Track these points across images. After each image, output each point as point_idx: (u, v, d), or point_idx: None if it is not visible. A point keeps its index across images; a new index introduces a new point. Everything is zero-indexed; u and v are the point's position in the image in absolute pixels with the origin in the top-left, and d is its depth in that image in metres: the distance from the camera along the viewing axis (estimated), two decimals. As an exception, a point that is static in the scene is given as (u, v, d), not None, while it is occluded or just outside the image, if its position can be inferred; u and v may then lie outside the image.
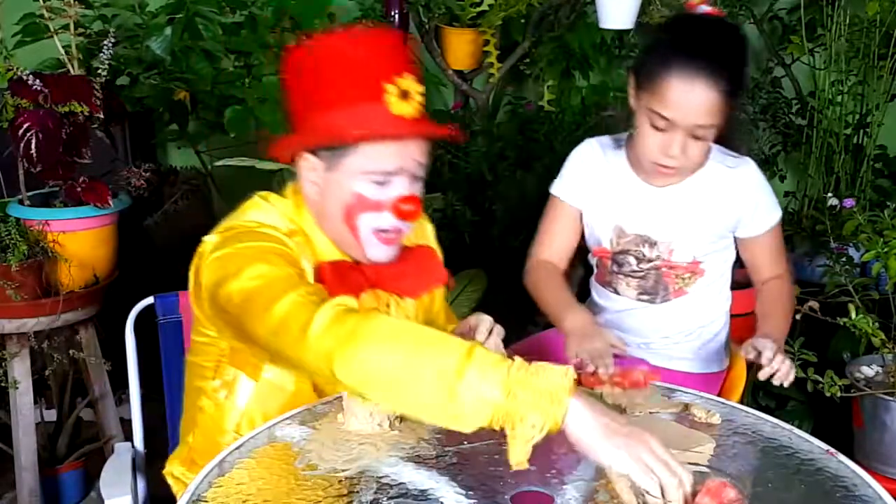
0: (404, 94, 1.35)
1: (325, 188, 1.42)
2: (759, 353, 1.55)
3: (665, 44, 1.67)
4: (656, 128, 1.64)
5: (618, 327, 1.88)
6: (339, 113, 1.35)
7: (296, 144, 1.42)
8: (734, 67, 1.62)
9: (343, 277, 1.42)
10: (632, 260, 1.81)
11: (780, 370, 1.53)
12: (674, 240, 1.78)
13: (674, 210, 1.77)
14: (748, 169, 1.77)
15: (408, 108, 1.35)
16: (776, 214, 1.81)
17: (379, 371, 1.14)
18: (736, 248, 1.85)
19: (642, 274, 1.82)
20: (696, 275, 1.81)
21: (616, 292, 1.86)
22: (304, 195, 1.47)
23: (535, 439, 1.09)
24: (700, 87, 1.58)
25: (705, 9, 1.67)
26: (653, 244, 1.79)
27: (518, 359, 1.11)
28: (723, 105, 1.61)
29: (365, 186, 1.38)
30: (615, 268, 1.84)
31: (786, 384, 1.55)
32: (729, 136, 1.75)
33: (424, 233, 1.65)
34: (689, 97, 1.59)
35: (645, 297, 1.83)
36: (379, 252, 1.44)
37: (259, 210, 1.45)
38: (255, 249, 1.34)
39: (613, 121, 1.97)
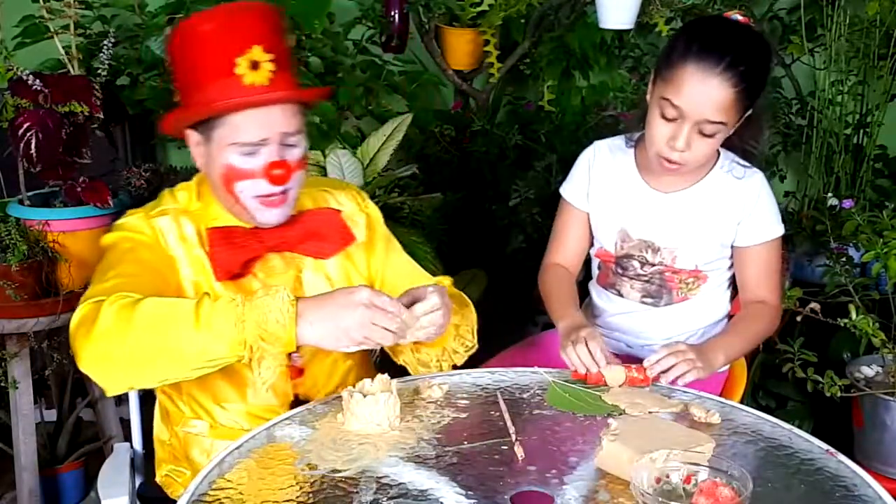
0: (254, 65, 1.41)
1: (206, 160, 1.50)
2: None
3: (688, 36, 1.67)
4: (665, 117, 1.63)
5: (619, 328, 1.88)
6: (202, 88, 1.43)
7: (176, 121, 1.49)
8: (752, 69, 1.61)
9: (232, 242, 1.50)
10: (635, 263, 1.82)
11: (670, 370, 1.56)
12: (677, 247, 1.78)
13: (679, 217, 1.77)
14: (754, 180, 1.77)
15: (259, 77, 1.41)
16: (774, 229, 1.78)
17: (118, 354, 1.29)
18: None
19: (647, 277, 1.82)
20: (699, 280, 1.81)
21: (619, 294, 1.86)
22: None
23: (275, 361, 1.30)
24: (714, 81, 1.58)
25: (738, 17, 1.67)
26: (656, 250, 1.79)
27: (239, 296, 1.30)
28: (735, 104, 1.61)
29: (234, 157, 1.45)
30: (619, 270, 1.84)
31: (680, 383, 1.58)
32: (743, 147, 1.76)
33: (351, 204, 1.68)
34: (702, 88, 1.59)
35: (648, 301, 1.83)
36: (267, 215, 1.51)
37: (142, 211, 1.56)
38: (107, 263, 1.47)
39: (613, 120, 1.97)
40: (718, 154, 1.77)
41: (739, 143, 1.75)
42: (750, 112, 1.67)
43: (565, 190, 1.89)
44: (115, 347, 1.29)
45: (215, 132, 1.45)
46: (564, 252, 1.89)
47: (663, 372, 1.57)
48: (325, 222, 1.59)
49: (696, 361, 1.58)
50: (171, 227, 1.53)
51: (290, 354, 1.53)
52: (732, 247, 1.80)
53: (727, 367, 1.92)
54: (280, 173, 1.46)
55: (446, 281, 1.70)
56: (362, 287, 1.35)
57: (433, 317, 1.42)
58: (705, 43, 1.61)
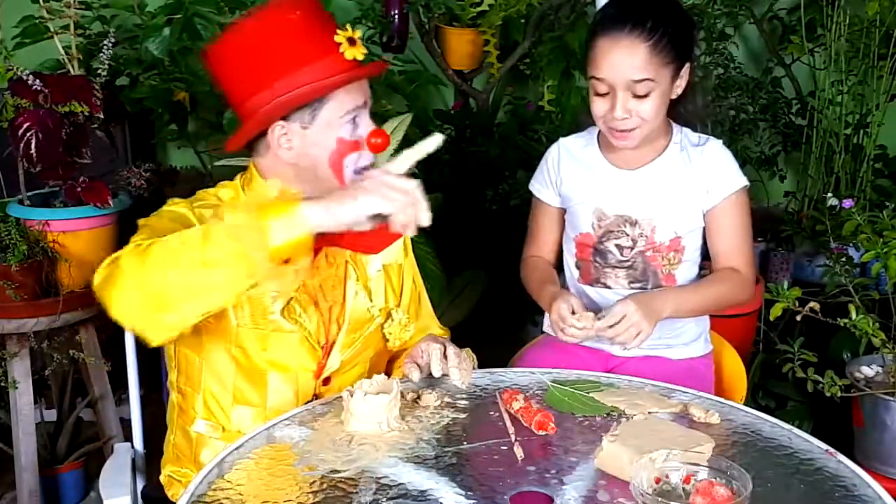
0: (352, 41, 1.48)
1: (304, 146, 1.50)
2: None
3: (597, 16, 1.78)
4: (599, 94, 1.72)
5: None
6: (304, 72, 1.45)
7: (268, 118, 1.48)
8: (659, 22, 1.67)
9: None
10: (614, 249, 1.83)
11: (618, 336, 1.64)
12: (654, 216, 1.81)
13: (650, 188, 1.81)
14: (714, 143, 1.83)
15: (358, 52, 1.48)
16: (737, 180, 1.81)
17: (141, 297, 1.28)
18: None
19: (629, 262, 1.83)
20: (678, 253, 1.83)
21: (607, 286, 1.86)
22: (262, 170, 1.55)
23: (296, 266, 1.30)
24: (624, 41, 1.66)
25: None
26: (633, 223, 1.81)
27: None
28: (652, 58, 1.66)
29: (343, 129, 1.50)
30: (600, 261, 1.85)
31: (627, 347, 1.66)
32: (686, 110, 1.82)
33: None
34: (615, 52, 1.67)
35: (637, 285, 1.84)
36: None
37: (184, 202, 1.54)
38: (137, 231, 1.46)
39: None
40: (671, 128, 1.83)
41: (683, 115, 1.83)
42: (689, 76, 1.74)
43: (534, 187, 1.96)
44: (137, 292, 1.28)
45: (322, 111, 1.48)
46: (539, 245, 1.96)
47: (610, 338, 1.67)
48: None
49: (640, 324, 1.64)
50: None
51: (321, 366, 1.55)
52: (704, 215, 1.83)
53: (709, 350, 1.94)
54: (379, 141, 1.52)
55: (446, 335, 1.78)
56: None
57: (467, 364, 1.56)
58: (609, 14, 1.71)
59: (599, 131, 1.85)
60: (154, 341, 1.31)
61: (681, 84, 1.74)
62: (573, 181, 1.87)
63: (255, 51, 1.46)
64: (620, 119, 1.70)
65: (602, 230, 1.84)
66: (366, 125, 1.53)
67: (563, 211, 1.91)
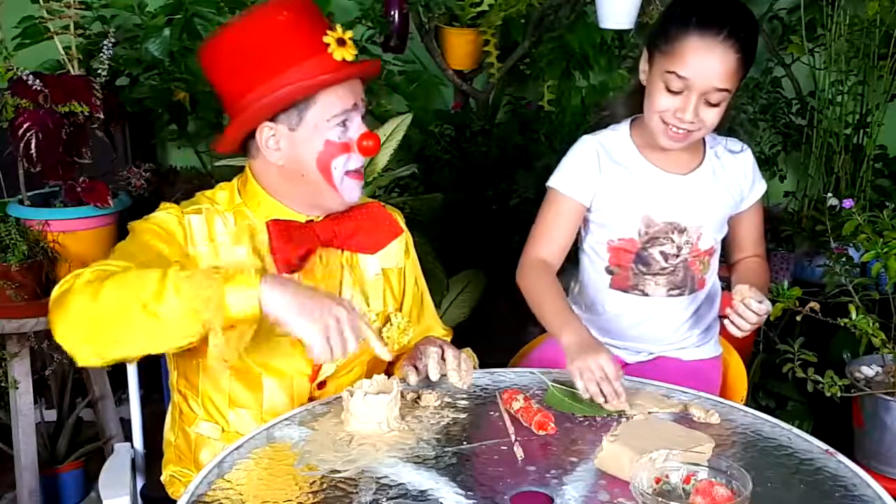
0: (341, 42, 1.47)
1: (291, 148, 1.49)
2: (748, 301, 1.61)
3: (684, 9, 1.68)
4: (671, 90, 1.65)
5: (635, 336, 1.86)
6: (290, 73, 1.45)
7: (254, 119, 1.48)
8: (748, 36, 1.65)
9: (290, 236, 1.52)
10: (658, 256, 1.79)
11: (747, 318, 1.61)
12: (702, 224, 1.79)
13: (698, 195, 1.79)
14: (747, 152, 1.86)
15: (347, 53, 1.47)
16: (763, 186, 1.89)
17: (82, 323, 1.30)
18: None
19: (671, 269, 1.80)
20: (710, 257, 1.84)
21: (644, 294, 1.82)
22: (255, 172, 1.55)
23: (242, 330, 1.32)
24: (719, 49, 1.61)
25: None
26: (682, 230, 1.78)
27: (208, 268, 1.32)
28: (737, 71, 1.64)
29: (331, 132, 1.49)
30: (642, 268, 1.80)
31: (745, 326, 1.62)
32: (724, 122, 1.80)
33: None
34: (707, 56, 1.62)
35: (675, 292, 1.82)
36: (354, 192, 1.55)
37: (177, 206, 1.56)
38: (116, 246, 1.50)
39: (610, 119, 1.95)
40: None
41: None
42: None
43: (559, 182, 1.80)
44: (82, 324, 1.30)
45: (308, 113, 1.47)
46: (551, 246, 1.81)
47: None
48: (373, 215, 1.62)
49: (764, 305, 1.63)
50: (202, 226, 1.52)
51: (315, 369, 1.55)
52: (732, 216, 1.86)
53: (719, 352, 1.94)
54: (370, 144, 1.51)
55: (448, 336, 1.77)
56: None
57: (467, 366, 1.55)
58: (704, 14, 1.64)
59: (631, 131, 1.80)
60: (79, 363, 1.35)
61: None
62: (616, 183, 1.78)
63: (243, 52, 1.46)
64: (688, 122, 1.66)
65: (648, 237, 1.78)
66: (356, 128, 1.51)
67: (586, 211, 1.82)
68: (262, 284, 1.28)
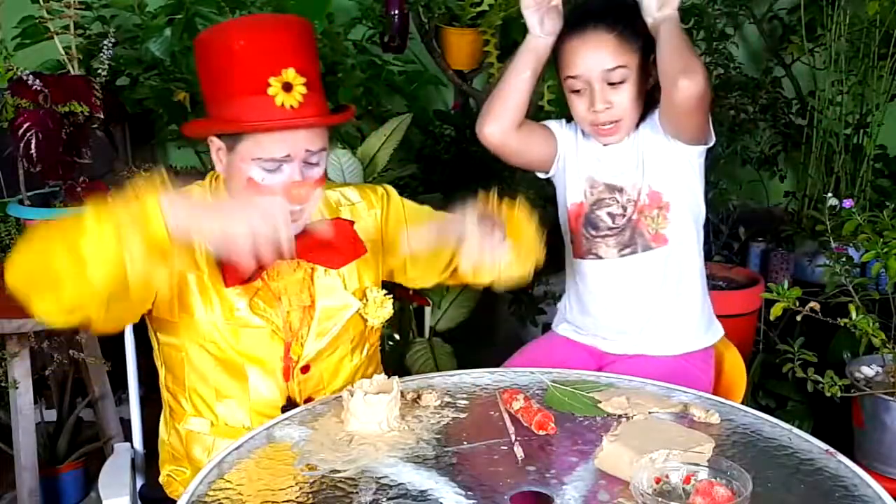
0: (287, 87, 1.41)
1: (227, 168, 1.50)
2: None
3: (564, 24, 1.80)
4: (576, 92, 1.77)
5: (612, 309, 1.88)
6: (232, 102, 1.43)
7: (201, 128, 1.52)
8: (617, 14, 1.72)
9: None
10: (606, 217, 1.84)
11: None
12: (638, 181, 1.82)
13: (632, 156, 1.82)
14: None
15: (291, 100, 1.41)
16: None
17: (29, 269, 1.27)
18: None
19: (618, 229, 1.84)
20: (662, 209, 1.82)
21: (599, 257, 1.87)
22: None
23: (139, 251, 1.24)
24: (591, 37, 1.72)
25: None
26: (620, 190, 1.84)
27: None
28: (621, 45, 1.72)
29: (256, 172, 1.45)
30: (592, 232, 1.86)
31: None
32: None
33: (356, 209, 1.69)
34: (583, 48, 1.73)
35: (627, 251, 1.84)
36: None
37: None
38: None
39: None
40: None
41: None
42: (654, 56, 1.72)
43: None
44: (20, 265, 1.28)
45: (240, 145, 1.44)
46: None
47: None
48: (337, 233, 1.58)
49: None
50: None
51: (292, 357, 1.55)
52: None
53: (706, 346, 1.90)
54: (301, 193, 1.46)
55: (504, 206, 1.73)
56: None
57: (469, 250, 1.51)
58: (570, 20, 1.77)
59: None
60: (37, 315, 1.29)
61: (655, 75, 1.73)
62: (566, 148, 1.90)
63: (205, 65, 1.47)
64: (602, 111, 1.74)
65: (594, 198, 1.86)
66: (289, 175, 1.45)
67: (556, 144, 1.91)
68: (162, 198, 1.25)
